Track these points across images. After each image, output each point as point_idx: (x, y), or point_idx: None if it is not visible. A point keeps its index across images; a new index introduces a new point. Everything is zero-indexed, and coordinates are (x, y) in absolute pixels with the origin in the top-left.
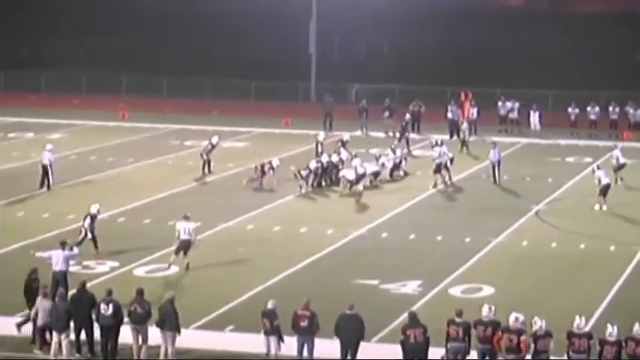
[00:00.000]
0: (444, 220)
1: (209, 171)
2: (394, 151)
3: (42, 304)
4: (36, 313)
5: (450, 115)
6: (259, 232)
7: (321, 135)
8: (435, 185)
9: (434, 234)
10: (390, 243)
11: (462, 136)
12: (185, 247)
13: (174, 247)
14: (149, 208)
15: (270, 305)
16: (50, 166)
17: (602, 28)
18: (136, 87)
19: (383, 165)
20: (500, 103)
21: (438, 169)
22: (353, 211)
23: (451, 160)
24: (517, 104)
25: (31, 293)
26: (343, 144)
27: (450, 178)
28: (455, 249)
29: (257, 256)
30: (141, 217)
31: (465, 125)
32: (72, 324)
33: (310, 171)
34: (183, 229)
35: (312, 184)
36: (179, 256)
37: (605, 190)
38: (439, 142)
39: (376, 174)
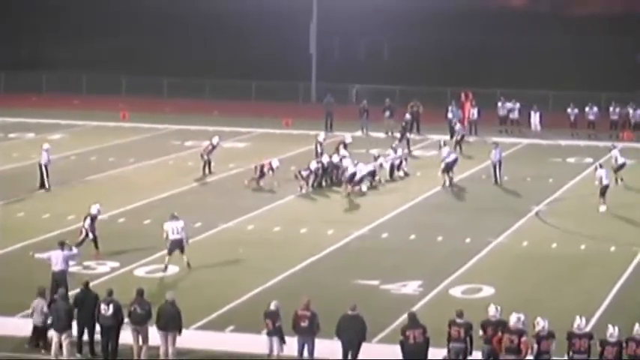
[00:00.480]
0: (444, 221)
1: (209, 171)
2: (395, 151)
3: (38, 304)
4: (32, 313)
5: (450, 115)
6: (260, 233)
7: (322, 135)
8: (444, 184)
9: (434, 234)
10: (390, 243)
11: (455, 136)
12: (178, 246)
13: (166, 250)
14: (149, 209)
15: (272, 306)
16: (46, 165)
17: (602, 28)
18: (136, 87)
19: (381, 165)
20: (500, 104)
21: (446, 169)
22: (353, 211)
23: (454, 161)
24: (517, 105)
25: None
26: (345, 146)
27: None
28: (455, 249)
29: (257, 257)
30: (141, 217)
31: (458, 126)
32: (74, 324)
33: (311, 171)
34: (172, 228)
35: (313, 185)
36: (173, 256)
37: (604, 191)
38: (444, 143)
39: (372, 173)
